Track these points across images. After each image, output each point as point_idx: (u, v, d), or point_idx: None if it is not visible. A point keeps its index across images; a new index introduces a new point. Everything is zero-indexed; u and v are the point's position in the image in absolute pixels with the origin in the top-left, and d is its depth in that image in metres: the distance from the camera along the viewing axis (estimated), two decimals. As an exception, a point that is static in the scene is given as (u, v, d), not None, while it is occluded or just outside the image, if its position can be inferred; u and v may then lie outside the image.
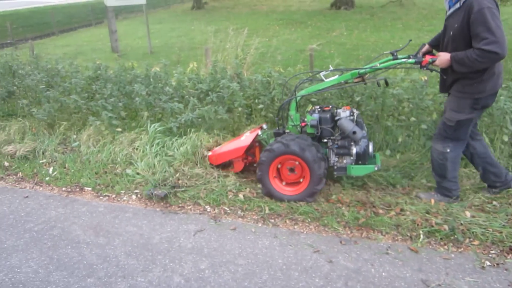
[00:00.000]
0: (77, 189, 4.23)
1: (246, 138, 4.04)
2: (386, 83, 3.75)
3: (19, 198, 4.13)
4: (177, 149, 4.42)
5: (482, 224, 3.19)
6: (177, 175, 4.16)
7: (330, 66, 3.90)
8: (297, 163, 3.61)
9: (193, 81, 5.21)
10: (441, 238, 3.13)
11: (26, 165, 4.77)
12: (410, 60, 3.35)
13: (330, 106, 3.85)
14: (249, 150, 4.10)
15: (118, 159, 4.55)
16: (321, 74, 3.76)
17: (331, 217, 3.43)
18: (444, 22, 3.33)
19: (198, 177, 4.13)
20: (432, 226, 3.22)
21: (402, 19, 16.45)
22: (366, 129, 3.73)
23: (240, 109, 4.74)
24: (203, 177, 4.12)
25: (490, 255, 2.94)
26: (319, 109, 3.80)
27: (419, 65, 3.31)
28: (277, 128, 3.98)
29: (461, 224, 3.21)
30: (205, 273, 2.90)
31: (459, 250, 3.02)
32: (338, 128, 3.64)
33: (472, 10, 2.94)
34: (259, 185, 3.81)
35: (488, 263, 2.85)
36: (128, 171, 4.32)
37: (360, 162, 3.63)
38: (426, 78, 4.53)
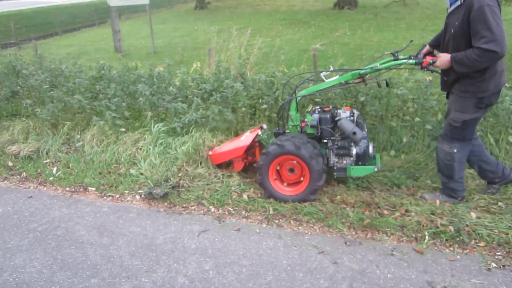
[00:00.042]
0: (81, 189, 4.23)
1: (246, 138, 4.05)
2: (387, 84, 3.73)
3: (23, 198, 4.13)
4: (178, 148, 4.41)
5: (488, 225, 3.17)
6: (180, 174, 4.15)
7: (331, 66, 3.89)
8: (295, 162, 3.61)
9: (197, 81, 5.20)
10: (446, 240, 3.11)
11: (30, 165, 4.77)
12: (410, 61, 3.34)
13: (331, 107, 3.85)
14: (249, 150, 4.11)
15: (122, 159, 4.55)
16: (322, 74, 3.75)
17: (335, 218, 3.42)
18: (445, 20, 3.31)
19: (201, 177, 4.13)
20: (438, 227, 3.20)
21: (405, 19, 16.39)
22: (366, 129, 3.73)
23: (243, 109, 4.73)
24: (206, 178, 4.11)
25: (496, 257, 2.91)
26: (319, 110, 3.80)
27: (419, 66, 3.31)
28: (277, 128, 3.98)
29: (467, 225, 3.19)
30: (209, 274, 2.89)
31: (465, 251, 3.00)
32: (338, 129, 3.63)
33: (473, 7, 2.93)
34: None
35: (494, 265, 2.83)
36: (132, 171, 4.32)
37: (360, 163, 3.62)
38: (430, 78, 4.50)
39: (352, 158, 3.62)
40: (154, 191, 3.90)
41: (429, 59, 3.24)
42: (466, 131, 3.30)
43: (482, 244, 3.04)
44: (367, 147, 3.61)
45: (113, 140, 4.85)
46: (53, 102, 5.44)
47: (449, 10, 3.21)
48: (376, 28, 14.84)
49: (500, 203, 3.46)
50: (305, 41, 13.19)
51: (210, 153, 4.26)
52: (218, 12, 23.18)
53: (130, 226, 3.53)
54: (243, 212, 3.64)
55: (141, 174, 4.27)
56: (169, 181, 4.06)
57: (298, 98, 3.89)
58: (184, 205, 3.81)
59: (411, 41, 3.85)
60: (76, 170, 4.53)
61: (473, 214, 3.30)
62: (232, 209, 3.69)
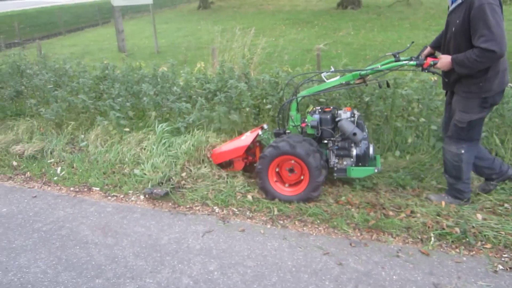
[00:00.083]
0: (85, 189, 4.23)
1: (246, 138, 4.05)
2: (388, 85, 3.72)
3: (28, 197, 4.13)
4: (179, 148, 4.40)
5: (494, 227, 3.14)
6: (184, 174, 4.15)
7: (332, 67, 3.90)
8: (293, 162, 3.60)
9: (201, 81, 5.19)
10: (452, 241, 3.09)
11: (34, 164, 4.78)
12: (411, 62, 3.33)
13: (331, 107, 3.84)
14: (250, 150, 4.11)
15: (126, 159, 4.54)
16: (323, 75, 3.75)
17: (340, 219, 3.40)
18: (446, 19, 3.30)
19: (205, 177, 4.12)
20: (443, 228, 3.18)
21: (409, 19, 16.36)
22: (366, 130, 3.72)
23: (247, 109, 4.72)
24: (211, 178, 4.10)
25: (503, 259, 2.89)
26: (320, 110, 3.79)
27: (420, 68, 3.30)
28: (277, 128, 3.98)
29: (473, 227, 3.16)
30: (214, 275, 2.88)
31: (471, 253, 2.98)
32: (339, 130, 3.62)
33: (473, 5, 2.92)
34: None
35: (501, 267, 2.81)
36: (136, 171, 4.31)
37: (360, 164, 3.61)
38: (435, 78, 4.48)
39: (352, 159, 3.61)
40: (155, 190, 3.90)
41: (430, 60, 3.25)
42: (473, 132, 3.28)
43: (488, 246, 3.01)
44: (368, 148, 3.61)
45: (117, 140, 4.85)
46: (57, 101, 5.45)
47: (450, 9, 3.20)
48: (380, 28, 14.81)
49: (506, 205, 3.43)
50: (309, 41, 13.17)
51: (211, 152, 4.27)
52: (221, 12, 23.19)
53: (135, 226, 3.53)
54: (247, 213, 3.63)
55: (145, 174, 4.26)
56: (170, 180, 4.06)
57: (299, 99, 3.89)
58: (188, 206, 3.80)
59: (413, 42, 3.85)
60: (80, 170, 4.53)
61: (479, 216, 3.27)
62: (236, 210, 3.69)
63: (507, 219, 3.23)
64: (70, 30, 20.89)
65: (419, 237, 3.16)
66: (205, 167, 4.23)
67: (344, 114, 3.61)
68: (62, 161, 4.79)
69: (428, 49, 3.54)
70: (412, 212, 3.41)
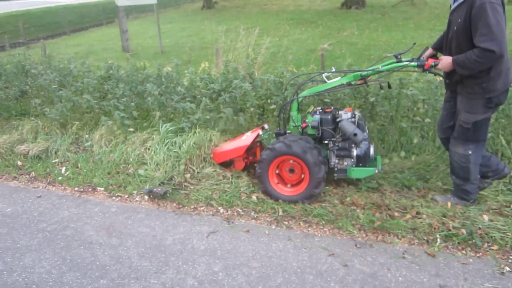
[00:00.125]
0: (90, 189, 4.23)
1: (247, 137, 4.05)
2: (389, 86, 3.71)
3: (32, 197, 4.14)
4: (180, 147, 4.39)
5: (501, 228, 3.12)
6: (188, 176, 4.14)
7: (333, 67, 3.88)
8: (291, 161, 3.60)
9: (205, 81, 5.19)
10: (458, 243, 3.07)
11: (39, 164, 4.78)
12: (412, 63, 3.32)
13: (332, 108, 3.83)
14: (250, 149, 4.11)
15: (131, 159, 4.54)
16: (324, 75, 3.74)
17: (345, 220, 3.38)
18: (448, 18, 3.28)
19: (209, 177, 4.11)
20: (449, 230, 3.16)
21: (413, 19, 16.30)
22: (367, 131, 3.72)
23: (252, 109, 4.71)
24: (215, 177, 4.10)
25: (510, 261, 2.87)
26: (321, 110, 3.79)
27: (421, 69, 3.29)
28: (278, 128, 3.98)
29: (479, 228, 3.14)
30: (218, 276, 2.87)
31: (478, 255, 2.96)
32: (339, 130, 3.61)
33: (475, 4, 2.90)
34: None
35: (508, 269, 2.79)
36: (140, 171, 4.31)
37: (360, 165, 3.60)
38: (440, 78, 4.46)
39: (352, 160, 3.60)
40: (154, 189, 3.90)
41: (431, 61, 3.24)
42: (479, 132, 3.25)
43: (495, 247, 2.99)
44: (368, 148, 3.60)
45: (122, 140, 4.84)
46: (61, 101, 5.45)
47: (452, 7, 3.18)
48: (384, 28, 14.76)
49: (513, 206, 3.41)
50: (313, 41, 13.15)
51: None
52: (225, 11, 23.18)
53: (139, 226, 3.52)
54: (252, 213, 3.62)
55: (149, 174, 4.26)
56: (172, 179, 4.06)
57: (300, 99, 3.89)
58: (193, 206, 3.79)
59: (415, 43, 3.84)
60: (85, 170, 4.53)
61: (486, 217, 3.25)
62: (241, 210, 3.67)
63: (514, 220, 3.20)
64: (74, 30, 20.96)
65: (425, 238, 3.14)
66: (209, 166, 4.23)
67: (345, 115, 3.61)
68: (67, 161, 4.80)
69: (429, 51, 3.53)
70: (417, 213, 3.39)
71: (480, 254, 2.96)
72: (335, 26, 16.00)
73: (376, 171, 3.55)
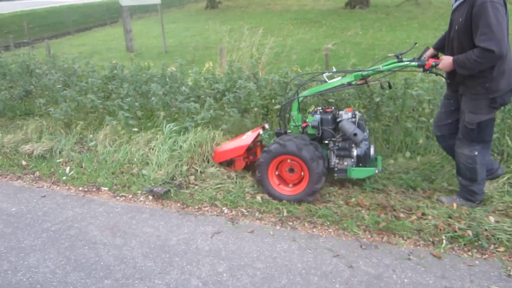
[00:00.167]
0: (94, 189, 4.23)
1: (247, 137, 4.05)
2: (390, 86, 3.69)
3: (37, 197, 4.14)
4: (181, 147, 4.38)
5: (507, 229, 3.09)
6: (192, 177, 4.13)
7: (334, 67, 3.87)
8: (289, 160, 3.60)
9: (209, 81, 5.18)
10: (464, 244, 3.04)
11: (43, 164, 4.79)
12: (413, 63, 3.31)
13: (333, 108, 3.83)
14: (251, 149, 4.10)
15: (135, 159, 4.54)
16: (324, 75, 3.73)
17: (350, 221, 3.36)
18: (450, 17, 3.26)
19: (213, 176, 4.10)
20: (455, 231, 3.13)
21: (418, 18, 16.24)
22: (368, 131, 3.71)
23: (256, 109, 4.70)
24: (219, 177, 4.09)
25: (517, 262, 2.85)
26: (321, 110, 3.78)
27: (422, 68, 3.28)
28: (278, 127, 3.97)
29: (485, 229, 3.11)
30: (223, 277, 2.86)
31: (484, 256, 2.93)
32: (340, 130, 3.60)
33: (476, 3, 2.88)
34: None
35: (515, 271, 2.77)
36: (145, 171, 4.31)
37: (360, 165, 3.59)
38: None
39: (353, 160, 3.60)
40: (155, 189, 3.90)
41: (431, 61, 3.23)
42: (484, 133, 3.22)
43: (501, 249, 2.96)
44: (368, 148, 3.60)
45: (126, 140, 4.85)
46: (66, 101, 5.46)
47: (454, 6, 3.17)
48: (388, 28, 14.71)
49: (519, 207, 3.39)
50: (317, 40, 13.12)
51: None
52: (229, 11, 23.18)
53: (143, 226, 3.52)
54: (256, 214, 3.61)
55: (152, 174, 4.25)
56: (174, 179, 4.05)
57: (300, 99, 3.88)
58: (197, 206, 3.78)
59: (415, 43, 3.83)
60: (89, 170, 4.53)
61: (492, 218, 3.22)
62: (245, 211, 3.66)
63: (520, 222, 3.17)
64: (78, 29, 21.01)
65: (431, 239, 3.11)
66: (213, 166, 4.22)
67: (345, 115, 3.60)
68: (71, 160, 4.80)
69: (430, 51, 3.51)
70: (423, 214, 3.37)
71: (486, 255, 2.94)
72: (339, 25, 15.96)
73: (376, 171, 3.54)
